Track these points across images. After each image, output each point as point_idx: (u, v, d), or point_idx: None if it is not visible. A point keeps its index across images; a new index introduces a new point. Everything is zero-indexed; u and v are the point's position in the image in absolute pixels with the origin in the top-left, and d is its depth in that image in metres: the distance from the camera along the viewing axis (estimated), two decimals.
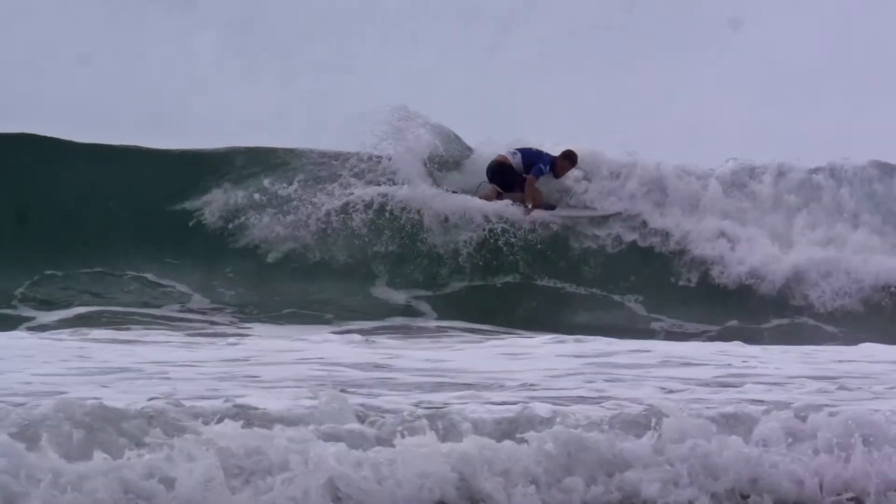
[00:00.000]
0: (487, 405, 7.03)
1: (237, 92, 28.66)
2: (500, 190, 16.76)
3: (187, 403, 6.34)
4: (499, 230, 16.44)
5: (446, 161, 17.67)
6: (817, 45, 28.04)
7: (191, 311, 15.86)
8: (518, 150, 16.77)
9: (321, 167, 17.38)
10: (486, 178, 16.89)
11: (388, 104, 17.48)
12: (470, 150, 18.04)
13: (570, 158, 16.85)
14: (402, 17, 29.58)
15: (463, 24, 29.78)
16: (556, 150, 17.01)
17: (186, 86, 28.49)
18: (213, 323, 15.29)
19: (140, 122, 27.03)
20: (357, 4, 29.67)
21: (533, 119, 23.88)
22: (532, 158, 16.60)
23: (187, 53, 29.21)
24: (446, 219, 16.61)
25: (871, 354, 11.67)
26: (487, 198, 16.73)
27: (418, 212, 16.74)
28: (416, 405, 7.15)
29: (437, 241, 16.66)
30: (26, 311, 15.64)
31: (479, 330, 15.23)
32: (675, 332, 15.95)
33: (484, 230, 16.49)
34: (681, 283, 16.73)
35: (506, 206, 16.47)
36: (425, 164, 17.17)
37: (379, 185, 16.98)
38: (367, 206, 16.86)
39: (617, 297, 16.66)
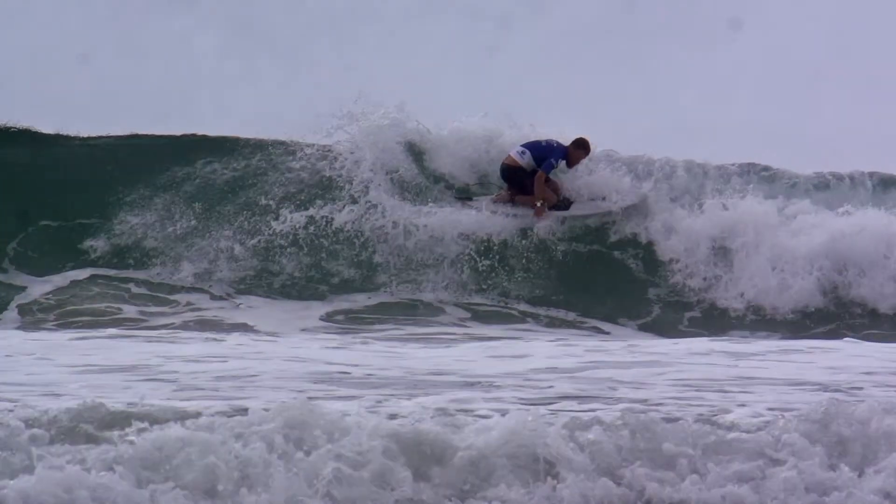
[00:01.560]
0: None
1: (237, 91, 28.66)
2: (513, 192, 16.36)
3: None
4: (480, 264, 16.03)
5: (417, 150, 17.51)
6: (819, 45, 27.99)
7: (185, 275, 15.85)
8: (526, 146, 16.25)
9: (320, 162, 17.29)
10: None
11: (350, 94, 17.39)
12: (435, 135, 17.76)
13: (583, 147, 16.29)
14: (402, 16, 29.57)
15: (463, 24, 29.76)
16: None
17: (187, 85, 28.49)
18: (212, 296, 15.36)
19: (141, 121, 26.95)
20: (357, 4, 29.67)
21: (533, 119, 23.52)
22: (542, 153, 16.08)
23: (188, 52, 29.21)
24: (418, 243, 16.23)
25: (862, 352, 11.71)
26: (502, 200, 16.49)
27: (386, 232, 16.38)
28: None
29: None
30: (17, 278, 15.69)
31: (476, 306, 15.37)
32: (671, 301, 15.96)
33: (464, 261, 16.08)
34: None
35: (487, 218, 16.17)
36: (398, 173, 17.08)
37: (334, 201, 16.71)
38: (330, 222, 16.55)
39: (617, 255, 16.57)
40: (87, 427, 5.80)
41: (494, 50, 28.25)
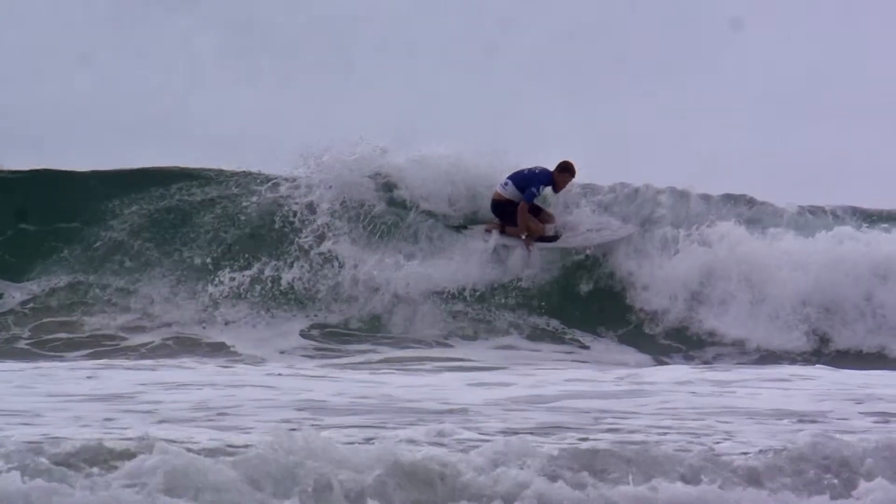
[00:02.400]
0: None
1: (237, 91, 28.66)
2: (504, 224, 15.79)
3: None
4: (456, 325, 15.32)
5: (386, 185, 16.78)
6: (818, 52, 27.92)
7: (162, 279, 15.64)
8: (510, 177, 15.76)
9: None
10: None
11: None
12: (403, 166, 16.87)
13: (567, 170, 15.73)
14: (402, 17, 29.54)
15: (463, 24, 29.71)
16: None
17: (186, 86, 28.51)
18: (191, 309, 15.18)
19: (140, 122, 27.03)
20: (357, 4, 29.63)
21: (532, 119, 23.52)
22: (524, 182, 15.63)
23: (188, 52, 29.22)
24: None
25: (841, 379, 11.73)
26: (493, 230, 15.83)
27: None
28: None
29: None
30: None
31: (458, 315, 15.24)
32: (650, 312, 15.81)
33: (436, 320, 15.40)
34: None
35: (458, 269, 15.50)
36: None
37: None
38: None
39: (598, 269, 16.21)
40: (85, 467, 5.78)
41: (494, 50, 28.16)
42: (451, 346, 15.09)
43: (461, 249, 16.04)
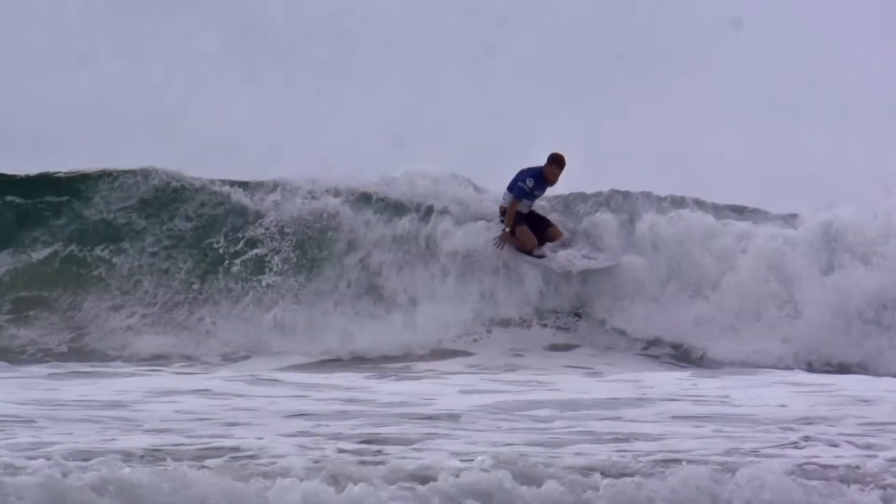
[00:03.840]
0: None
1: (237, 91, 28.65)
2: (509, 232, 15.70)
3: None
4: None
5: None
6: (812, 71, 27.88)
7: (146, 252, 15.46)
8: (507, 188, 15.74)
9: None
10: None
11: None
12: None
13: (555, 161, 15.63)
14: (402, 16, 29.53)
15: (462, 25, 29.70)
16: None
17: (186, 85, 28.52)
18: (176, 288, 15.07)
19: (140, 122, 27.03)
20: (357, 4, 29.64)
21: (531, 119, 23.56)
22: (513, 181, 15.65)
23: (188, 52, 29.23)
24: None
25: (825, 382, 11.84)
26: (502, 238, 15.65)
27: None
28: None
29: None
30: None
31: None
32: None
33: None
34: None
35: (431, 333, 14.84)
36: None
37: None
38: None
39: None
40: None
41: (494, 50, 28.14)
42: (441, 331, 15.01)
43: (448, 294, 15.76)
